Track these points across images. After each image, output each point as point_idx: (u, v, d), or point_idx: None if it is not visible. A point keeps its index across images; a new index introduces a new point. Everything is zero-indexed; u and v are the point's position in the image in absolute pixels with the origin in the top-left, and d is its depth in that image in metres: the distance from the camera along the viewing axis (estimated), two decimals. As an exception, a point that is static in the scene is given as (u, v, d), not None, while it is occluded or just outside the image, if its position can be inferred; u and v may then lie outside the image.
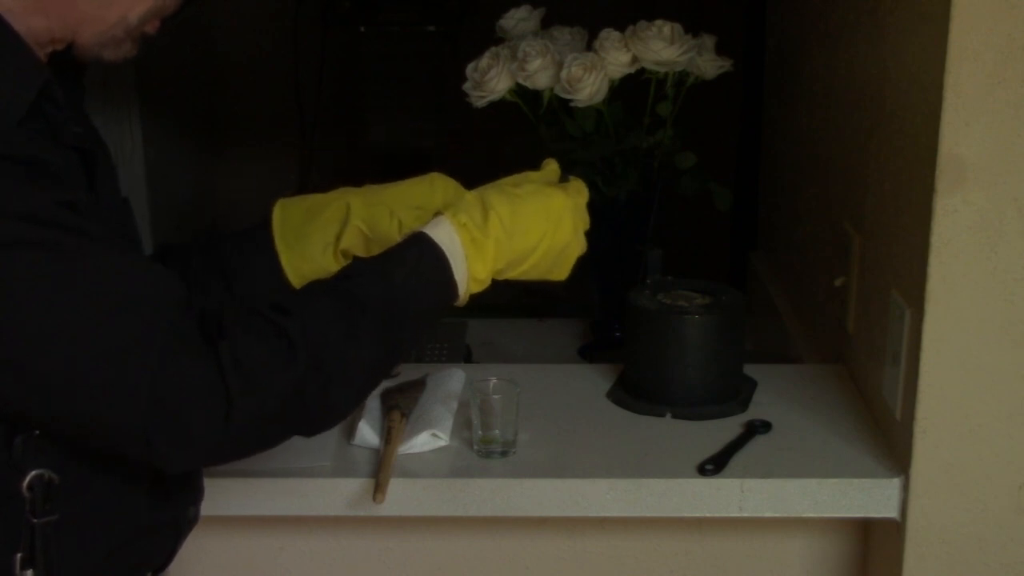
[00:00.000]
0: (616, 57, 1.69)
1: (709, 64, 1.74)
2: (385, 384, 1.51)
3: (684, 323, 1.46)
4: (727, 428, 1.42)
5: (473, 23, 2.78)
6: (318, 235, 1.25)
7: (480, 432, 1.35)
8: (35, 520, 1.01)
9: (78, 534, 1.04)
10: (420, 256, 1.08)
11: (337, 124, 3.16)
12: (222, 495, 1.30)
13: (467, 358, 1.83)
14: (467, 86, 1.76)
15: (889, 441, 1.37)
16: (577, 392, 1.54)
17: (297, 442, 1.35)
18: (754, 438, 1.40)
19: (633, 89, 1.74)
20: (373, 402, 1.45)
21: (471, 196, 1.15)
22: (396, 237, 1.22)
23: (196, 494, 1.20)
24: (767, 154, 2.21)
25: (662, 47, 1.68)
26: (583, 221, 1.20)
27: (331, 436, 1.39)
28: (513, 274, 1.16)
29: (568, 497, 1.32)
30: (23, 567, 1.01)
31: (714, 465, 1.32)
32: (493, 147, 2.36)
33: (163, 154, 2.61)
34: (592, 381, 1.57)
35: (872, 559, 1.46)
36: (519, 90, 1.74)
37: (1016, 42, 1.16)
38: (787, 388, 1.53)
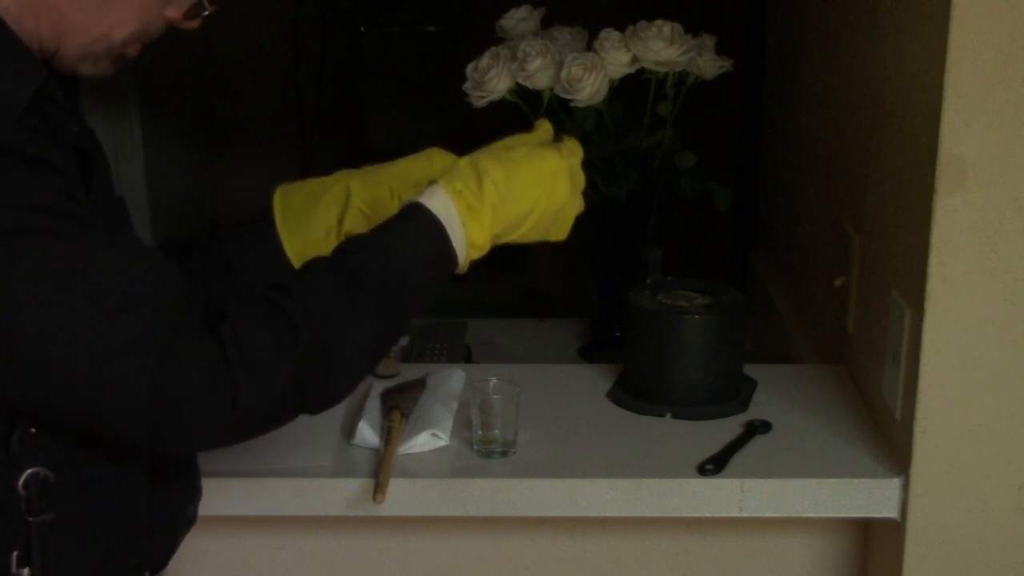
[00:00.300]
0: (616, 57, 1.69)
1: (709, 64, 1.74)
2: (385, 384, 1.51)
3: (684, 323, 1.46)
4: (727, 428, 1.42)
5: (473, 23, 2.78)
6: (320, 219, 1.25)
7: (480, 432, 1.35)
8: (31, 518, 1.01)
9: (76, 533, 1.04)
10: (417, 227, 1.07)
11: (337, 124, 3.16)
12: (221, 495, 1.30)
13: (467, 358, 1.83)
14: (467, 86, 1.76)
15: (889, 441, 1.37)
16: (577, 392, 1.54)
17: (297, 442, 1.36)
18: (754, 438, 1.40)
19: (633, 89, 1.74)
20: (373, 402, 1.45)
21: (464, 162, 1.14)
22: None
23: (194, 493, 1.20)
24: (767, 154, 2.21)
25: (662, 47, 1.68)
26: (579, 180, 1.19)
27: (331, 436, 1.39)
28: (511, 238, 1.15)
29: (568, 497, 1.32)
30: (19, 565, 1.01)
31: (714, 465, 1.32)
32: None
33: (163, 154, 2.61)
34: (592, 381, 1.57)
35: (872, 559, 1.46)
36: (519, 90, 1.74)
37: (1016, 42, 1.16)
38: (787, 388, 1.53)
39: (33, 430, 1.00)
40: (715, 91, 1.78)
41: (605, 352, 1.83)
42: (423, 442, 1.37)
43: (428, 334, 1.85)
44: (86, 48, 1.05)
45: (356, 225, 1.25)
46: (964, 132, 1.18)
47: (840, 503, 1.31)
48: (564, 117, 1.74)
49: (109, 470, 1.06)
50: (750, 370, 1.55)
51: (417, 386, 1.49)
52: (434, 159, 1.27)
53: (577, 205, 1.19)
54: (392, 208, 1.22)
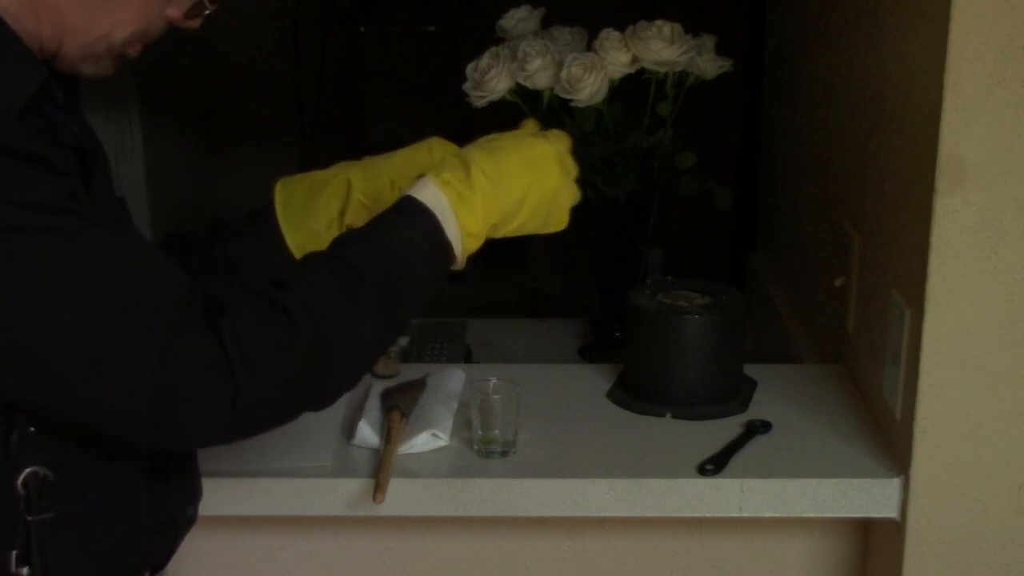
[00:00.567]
0: (616, 57, 1.69)
1: (709, 64, 1.74)
2: (385, 384, 1.51)
3: (684, 323, 1.46)
4: (727, 428, 1.42)
5: (473, 23, 2.78)
6: (322, 213, 1.25)
7: (480, 432, 1.35)
8: (30, 518, 1.01)
9: (76, 533, 1.04)
10: (410, 219, 1.07)
11: (337, 124, 3.16)
12: (221, 495, 1.30)
13: (467, 358, 1.83)
14: (467, 86, 1.75)
15: (889, 441, 1.37)
16: (577, 392, 1.54)
17: (297, 442, 1.36)
18: (754, 438, 1.40)
19: (633, 89, 1.74)
20: (373, 402, 1.45)
21: (451, 154, 1.15)
22: None
23: (194, 493, 1.20)
24: (767, 154, 2.21)
25: (662, 47, 1.68)
26: (570, 166, 1.18)
27: (331, 436, 1.39)
28: (510, 228, 1.15)
29: (568, 497, 1.32)
30: (19, 564, 1.01)
31: (714, 465, 1.32)
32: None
33: (163, 154, 2.61)
34: (592, 381, 1.57)
35: (872, 559, 1.46)
36: (519, 90, 1.74)
37: (1016, 42, 1.16)
38: (787, 388, 1.53)
39: (32, 429, 1.00)
40: (715, 91, 1.78)
41: (605, 352, 1.83)
42: (423, 442, 1.37)
43: (428, 334, 1.85)
44: (87, 48, 1.05)
45: (358, 217, 1.25)
46: (964, 132, 1.18)
47: (840, 503, 1.31)
48: (564, 117, 1.74)
49: (109, 470, 1.06)
50: (750, 370, 1.55)
51: (417, 386, 1.49)
52: (434, 148, 1.27)
53: (572, 192, 1.18)
54: (393, 199, 1.22)
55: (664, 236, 1.83)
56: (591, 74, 1.67)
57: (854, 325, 1.54)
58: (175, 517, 1.16)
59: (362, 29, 2.98)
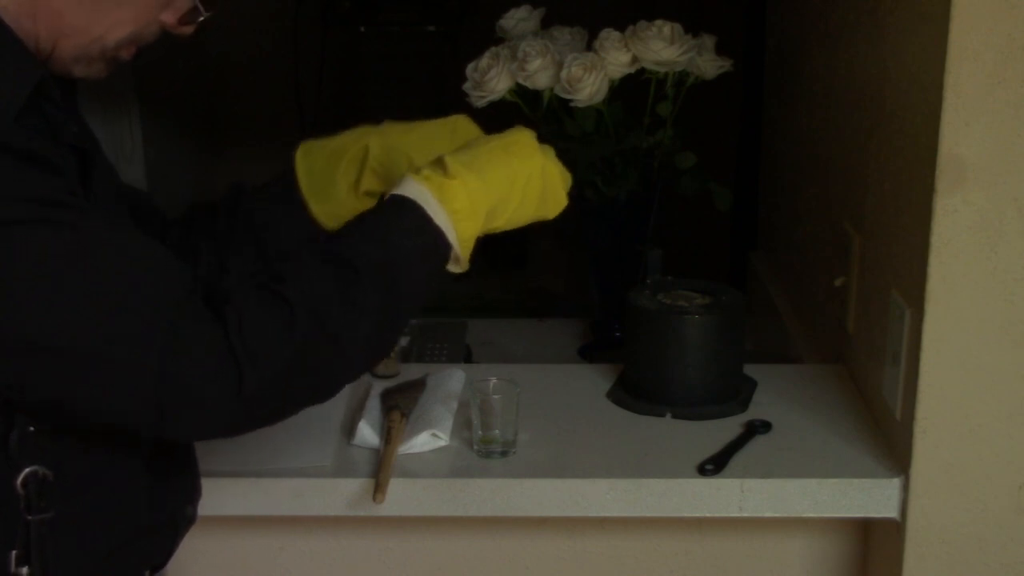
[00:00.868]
0: (616, 57, 1.69)
1: (709, 64, 1.74)
2: (385, 384, 1.51)
3: (684, 323, 1.46)
4: (727, 428, 1.42)
5: (473, 23, 2.78)
6: (342, 178, 1.26)
7: (480, 432, 1.35)
8: (30, 517, 1.01)
9: (76, 532, 1.04)
10: (398, 210, 1.07)
11: (337, 124, 3.14)
12: (221, 495, 1.30)
13: (467, 358, 1.83)
14: (467, 86, 1.75)
15: (889, 441, 1.37)
16: (577, 392, 1.54)
17: (297, 442, 1.36)
18: (754, 438, 1.40)
19: (633, 89, 1.74)
20: (373, 402, 1.45)
21: (427, 161, 1.13)
22: None
23: (194, 493, 1.20)
24: (767, 154, 2.21)
25: (662, 47, 1.68)
26: (549, 149, 1.17)
27: (331, 436, 1.39)
28: (509, 212, 1.13)
29: (568, 497, 1.32)
30: (18, 564, 1.01)
31: (714, 465, 1.32)
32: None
33: (163, 154, 2.61)
34: (592, 381, 1.57)
35: (872, 559, 1.46)
36: (519, 90, 1.74)
37: (1016, 42, 1.16)
38: (787, 388, 1.53)
39: (32, 429, 1.00)
40: (715, 91, 1.78)
41: (605, 352, 1.83)
42: (423, 442, 1.37)
43: (428, 334, 1.85)
44: (82, 49, 1.05)
45: (371, 184, 1.26)
46: (964, 132, 1.18)
47: (840, 503, 1.31)
48: (564, 117, 1.74)
49: (109, 470, 1.06)
50: (750, 370, 1.55)
51: (417, 386, 1.49)
52: (458, 128, 1.27)
53: (560, 169, 1.17)
54: None
55: (664, 236, 1.83)
56: (591, 74, 1.67)
57: (854, 325, 1.54)
58: (175, 517, 1.16)
59: (362, 29, 2.98)
